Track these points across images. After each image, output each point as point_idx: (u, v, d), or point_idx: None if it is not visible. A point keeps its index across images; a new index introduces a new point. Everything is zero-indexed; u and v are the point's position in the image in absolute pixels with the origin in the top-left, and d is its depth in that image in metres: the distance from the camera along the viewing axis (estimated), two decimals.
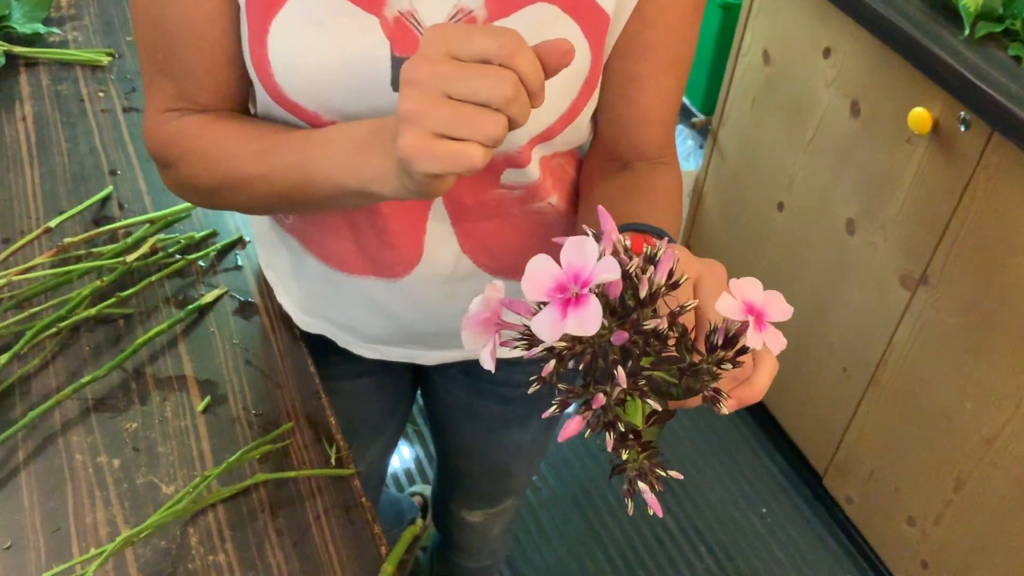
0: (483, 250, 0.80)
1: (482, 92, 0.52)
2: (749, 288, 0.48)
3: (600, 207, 0.51)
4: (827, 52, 1.55)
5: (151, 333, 0.87)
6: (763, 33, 1.68)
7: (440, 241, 0.77)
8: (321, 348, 0.91)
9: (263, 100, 0.71)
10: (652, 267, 0.48)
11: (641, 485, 0.48)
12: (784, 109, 1.68)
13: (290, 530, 0.75)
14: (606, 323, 0.46)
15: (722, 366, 0.48)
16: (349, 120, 0.66)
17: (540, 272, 0.45)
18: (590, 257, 0.44)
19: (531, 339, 0.47)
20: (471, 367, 0.97)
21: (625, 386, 0.46)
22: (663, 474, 0.48)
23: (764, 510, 1.90)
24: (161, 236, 0.95)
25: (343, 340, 0.89)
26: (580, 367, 0.47)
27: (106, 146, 1.07)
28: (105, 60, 1.18)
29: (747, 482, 1.94)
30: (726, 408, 0.51)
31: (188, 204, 0.99)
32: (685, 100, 1.96)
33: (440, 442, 1.11)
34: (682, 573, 1.79)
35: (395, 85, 0.67)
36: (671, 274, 0.48)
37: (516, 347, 0.48)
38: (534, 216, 0.80)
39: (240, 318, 0.91)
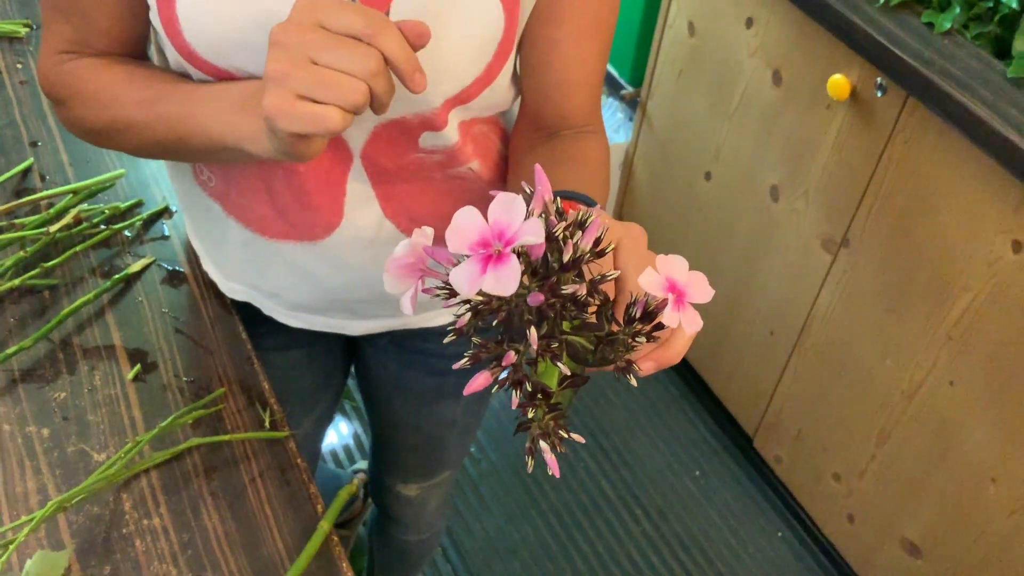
0: (405, 214, 0.80)
1: (346, 62, 0.55)
2: (674, 266, 0.49)
3: (537, 165, 0.52)
4: (749, 22, 1.58)
5: (77, 303, 0.86)
6: (688, 5, 1.71)
7: (361, 203, 0.78)
8: (249, 319, 0.90)
9: (174, 58, 0.71)
10: (580, 232, 0.49)
11: (543, 444, 0.49)
12: (709, 80, 1.71)
13: (225, 493, 0.75)
14: (525, 283, 0.47)
15: (637, 339, 0.50)
16: (255, 69, 0.67)
17: (466, 224, 0.46)
18: (517, 216, 0.45)
19: (451, 290, 0.48)
20: (402, 339, 0.98)
21: (536, 347, 0.47)
22: (565, 436, 0.49)
23: (697, 473, 1.94)
24: (85, 206, 0.94)
25: (268, 308, 0.89)
26: (496, 324, 0.48)
27: (26, 118, 1.05)
28: (23, 31, 1.15)
29: (680, 446, 1.98)
30: (644, 367, 0.53)
31: (113, 173, 0.97)
32: (614, 73, 1.98)
33: (374, 416, 1.12)
34: (619, 536, 1.83)
35: None
36: (597, 242, 0.49)
37: (436, 295, 0.49)
38: (456, 181, 0.81)
39: (168, 287, 0.90)
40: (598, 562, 1.79)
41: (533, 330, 0.46)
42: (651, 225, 1.99)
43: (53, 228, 0.89)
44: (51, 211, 0.92)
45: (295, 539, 0.73)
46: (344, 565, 0.72)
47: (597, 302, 0.49)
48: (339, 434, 1.92)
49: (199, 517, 0.74)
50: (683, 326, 0.48)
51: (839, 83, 1.43)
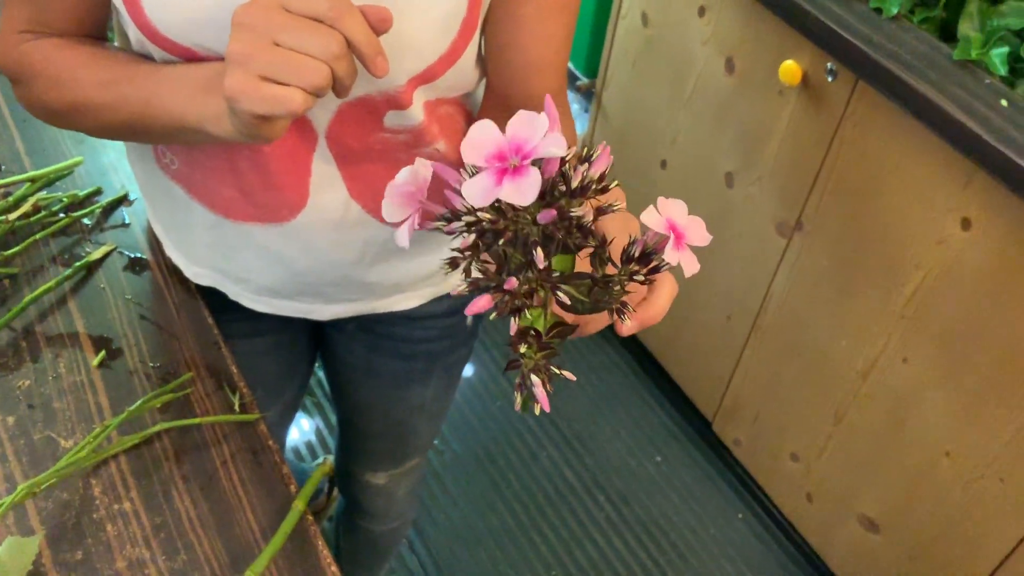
0: (372, 196, 0.80)
1: (308, 44, 0.56)
2: (675, 208, 0.50)
3: (547, 95, 0.53)
4: (702, 11, 1.61)
5: (38, 291, 0.84)
6: None
7: (327, 184, 0.78)
8: (215, 306, 0.90)
9: (136, 38, 0.70)
10: (587, 164, 0.50)
11: (534, 379, 0.49)
12: (664, 69, 1.73)
13: (197, 476, 0.75)
14: (534, 204, 0.47)
15: (634, 278, 0.51)
16: (221, 47, 0.67)
17: (482, 137, 0.46)
18: (538, 131, 0.46)
19: (451, 218, 0.48)
20: (370, 324, 0.97)
21: (542, 266, 0.47)
22: (557, 372, 0.50)
23: (659, 458, 1.97)
24: (43, 195, 0.93)
25: (234, 293, 0.88)
26: (499, 244, 0.48)
27: None
28: None
29: (641, 432, 2.00)
30: (629, 323, 0.54)
31: (71, 161, 0.96)
32: (569, 64, 2.00)
33: (341, 403, 1.12)
34: (583, 523, 1.84)
35: None
36: (603, 177, 0.50)
37: (435, 227, 0.49)
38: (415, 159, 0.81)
39: (131, 274, 0.89)
40: (563, 548, 1.80)
41: (540, 250, 0.47)
42: None
43: (12, 216, 0.88)
44: (9, 200, 0.91)
45: (269, 519, 0.73)
46: (320, 543, 0.72)
47: (595, 243, 0.50)
48: (301, 430, 1.91)
49: (171, 500, 0.73)
50: (682, 266, 0.49)
51: (790, 69, 1.46)
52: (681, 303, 1.83)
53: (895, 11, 1.36)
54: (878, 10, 1.38)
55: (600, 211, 0.50)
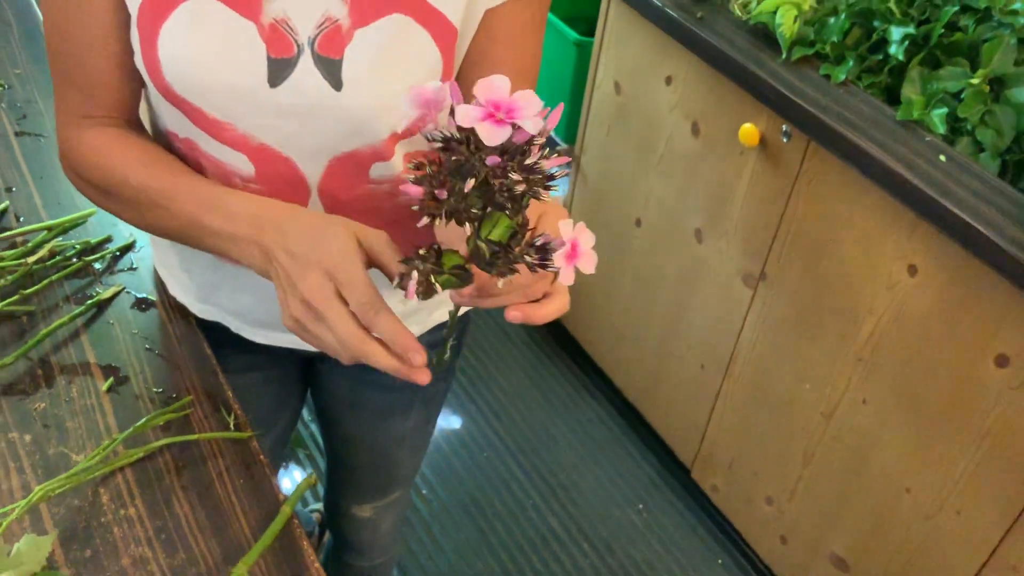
0: None
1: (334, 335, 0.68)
2: (584, 235, 0.61)
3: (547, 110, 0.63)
4: (669, 80, 1.73)
5: (53, 326, 0.94)
6: (613, 66, 1.86)
7: None
8: (213, 342, 0.99)
9: (155, 97, 0.81)
10: (548, 149, 0.60)
11: (414, 276, 0.61)
12: (636, 134, 1.85)
13: (195, 486, 0.83)
14: (491, 150, 0.57)
15: (526, 257, 0.60)
16: (226, 106, 0.77)
17: (496, 86, 0.57)
18: (531, 108, 0.57)
19: (441, 137, 0.59)
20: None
21: (466, 191, 0.57)
22: (433, 283, 0.61)
23: (641, 506, 2.03)
24: (59, 241, 1.02)
25: (235, 326, 0.98)
26: (451, 162, 0.58)
27: (1, 167, 1.13)
28: None
29: (624, 481, 2.07)
30: (515, 313, 0.64)
31: (84, 212, 1.06)
32: (551, 132, 2.12)
33: (329, 436, 1.20)
34: (568, 570, 1.90)
35: (271, 83, 0.77)
36: (552, 177, 0.60)
37: (430, 138, 0.59)
38: (402, 210, 0.91)
39: (137, 311, 0.99)
40: None
41: (471, 180, 0.56)
42: None
43: (30, 260, 0.98)
44: (27, 246, 1.00)
45: (260, 524, 0.81)
46: (305, 544, 0.80)
47: (518, 216, 0.60)
48: (293, 481, 1.98)
49: (171, 507, 0.81)
50: (563, 274, 0.59)
51: (749, 131, 1.57)
52: (658, 354, 1.93)
53: (843, 77, 1.49)
54: (827, 76, 1.50)
55: (533, 181, 0.59)
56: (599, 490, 2.05)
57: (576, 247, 0.59)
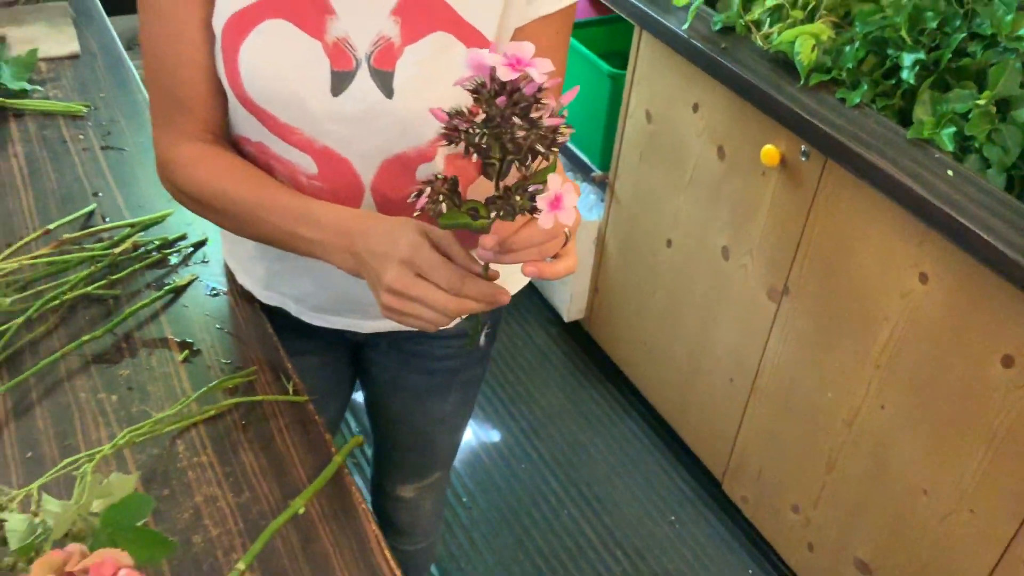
0: None
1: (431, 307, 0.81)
2: (569, 193, 0.72)
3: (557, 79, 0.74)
4: (695, 107, 1.85)
5: (136, 306, 1.07)
6: (644, 97, 1.98)
7: None
8: (274, 326, 1.11)
9: (233, 106, 0.94)
10: (551, 106, 0.71)
11: (426, 193, 0.73)
12: (665, 158, 1.96)
13: (258, 439, 0.95)
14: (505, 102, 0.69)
15: (518, 200, 0.71)
16: (295, 113, 0.89)
17: (523, 46, 0.69)
18: (542, 68, 0.68)
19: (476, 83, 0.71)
20: (399, 342, 1.18)
21: (480, 122, 0.69)
22: (441, 203, 0.73)
23: (673, 518, 2.10)
24: (140, 237, 1.16)
25: (295, 310, 1.10)
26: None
27: (88, 175, 1.28)
28: (83, 111, 1.40)
29: (656, 494, 2.15)
30: (530, 268, 0.75)
31: (162, 212, 1.20)
32: (584, 158, 2.24)
33: (376, 417, 1.31)
34: None
35: (334, 92, 0.90)
36: (556, 130, 0.71)
37: (467, 86, 0.71)
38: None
39: (209, 297, 1.11)
40: None
41: (482, 109, 0.68)
42: (623, 290, 2.22)
43: (116, 251, 1.11)
44: (114, 239, 1.14)
45: (314, 471, 0.92)
46: (353, 488, 0.91)
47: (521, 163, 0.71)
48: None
49: (238, 455, 0.93)
50: (542, 218, 0.70)
51: (770, 152, 1.68)
52: (688, 369, 2.02)
53: (857, 100, 1.59)
54: (843, 100, 1.60)
55: (539, 129, 0.70)
56: (632, 502, 2.13)
57: (560, 199, 0.70)
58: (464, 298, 0.79)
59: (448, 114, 0.72)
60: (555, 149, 0.71)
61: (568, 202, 0.70)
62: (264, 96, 0.90)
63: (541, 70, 0.68)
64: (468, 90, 0.72)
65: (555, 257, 0.78)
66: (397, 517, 1.41)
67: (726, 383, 1.96)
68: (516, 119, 0.69)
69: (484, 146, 0.70)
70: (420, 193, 0.74)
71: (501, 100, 0.69)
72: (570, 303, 2.38)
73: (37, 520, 0.77)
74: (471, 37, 0.91)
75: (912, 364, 1.54)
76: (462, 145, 0.72)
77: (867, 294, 1.58)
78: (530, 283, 2.52)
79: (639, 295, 2.16)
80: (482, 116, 0.70)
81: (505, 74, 0.67)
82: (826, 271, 1.65)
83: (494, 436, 2.25)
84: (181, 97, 0.92)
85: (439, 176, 0.74)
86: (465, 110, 0.72)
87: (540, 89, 0.70)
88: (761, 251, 1.78)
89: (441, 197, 0.73)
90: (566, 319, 2.44)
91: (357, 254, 0.84)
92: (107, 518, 0.77)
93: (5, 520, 0.76)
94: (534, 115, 0.70)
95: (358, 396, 2.18)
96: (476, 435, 2.25)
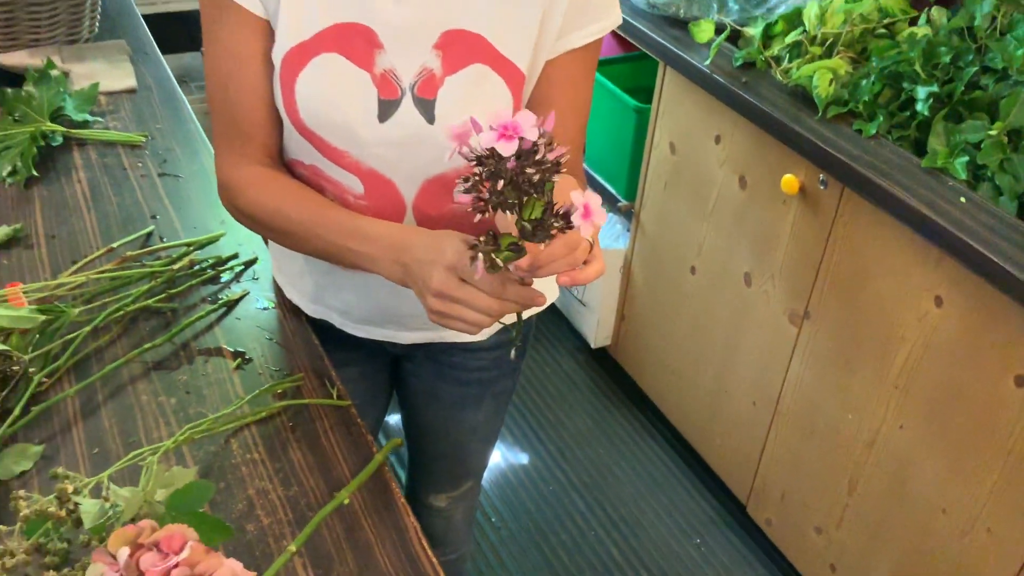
0: None
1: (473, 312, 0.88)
2: (592, 198, 0.79)
3: (551, 112, 0.82)
4: (718, 139, 1.92)
5: (192, 319, 1.15)
6: (668, 129, 2.06)
7: None
8: (319, 339, 1.18)
9: (288, 131, 1.02)
10: (550, 147, 0.79)
11: (480, 256, 0.80)
12: (689, 188, 2.04)
13: (306, 438, 1.02)
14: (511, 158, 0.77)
15: (555, 224, 0.79)
16: (345, 137, 0.97)
17: (502, 114, 0.77)
18: (527, 123, 0.76)
19: (476, 155, 0.78)
20: (435, 354, 1.25)
21: (500, 189, 0.77)
22: (495, 259, 0.80)
23: (698, 540, 2.14)
24: (196, 255, 1.24)
25: (339, 322, 1.18)
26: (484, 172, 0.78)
27: (146, 199, 1.37)
28: (141, 140, 1.49)
29: (681, 516, 2.19)
30: (564, 277, 0.82)
31: (216, 233, 1.29)
32: (611, 189, 2.32)
33: (410, 427, 1.38)
34: None
35: (380, 119, 0.98)
36: (559, 163, 0.79)
37: (465, 154, 0.78)
38: (478, 226, 1.10)
39: (259, 311, 1.19)
40: None
41: (501, 182, 0.76)
42: (648, 316, 2.28)
43: (175, 267, 1.20)
44: (172, 256, 1.23)
45: (357, 468, 0.99)
46: (393, 485, 0.98)
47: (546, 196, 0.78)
48: None
49: (287, 453, 1.00)
50: (583, 229, 0.78)
51: (790, 181, 1.74)
52: (712, 393, 2.08)
53: (873, 131, 1.65)
54: (859, 131, 1.67)
55: (546, 168, 0.78)
56: (658, 524, 2.17)
57: (588, 208, 0.78)
58: (505, 300, 0.86)
59: (468, 190, 0.79)
60: (563, 171, 0.79)
61: (595, 205, 0.78)
62: (317, 122, 0.98)
63: (528, 124, 0.76)
64: (469, 160, 0.79)
65: (584, 264, 0.85)
66: (430, 527, 1.47)
67: (749, 406, 2.01)
68: (528, 169, 0.77)
69: (511, 201, 0.78)
70: (472, 259, 0.82)
71: (512, 164, 0.77)
72: (597, 330, 2.45)
73: (107, 505, 0.85)
74: (506, 69, 0.99)
75: (929, 385, 1.58)
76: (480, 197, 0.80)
77: (885, 317, 1.63)
78: (558, 311, 2.60)
79: (664, 321, 2.22)
80: (499, 181, 0.78)
81: (505, 149, 0.75)
82: (845, 295, 1.71)
83: (523, 458, 2.31)
84: (242, 124, 1.01)
85: (480, 239, 0.82)
86: (479, 176, 0.79)
87: (534, 143, 0.78)
88: (782, 277, 1.84)
89: (494, 255, 0.81)
90: (593, 345, 2.50)
91: (405, 264, 0.92)
92: (172, 502, 0.85)
93: (80, 503, 0.84)
94: (538, 157, 0.78)
95: (390, 419, 2.25)
96: (505, 457, 2.31)
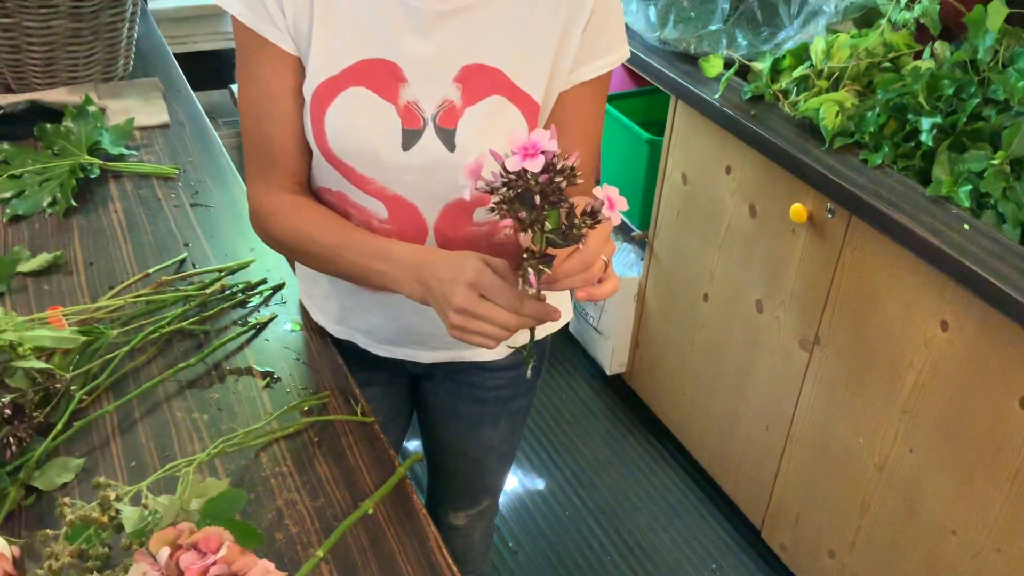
0: None
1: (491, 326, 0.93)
2: (612, 190, 0.85)
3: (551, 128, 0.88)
4: (728, 169, 1.98)
5: (224, 340, 1.21)
6: (680, 160, 2.12)
7: None
8: (343, 360, 1.24)
9: (317, 160, 1.09)
10: (568, 159, 0.85)
11: (529, 270, 0.86)
12: (701, 218, 2.09)
13: (331, 453, 1.07)
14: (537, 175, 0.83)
15: (586, 221, 0.84)
16: (371, 165, 1.03)
17: (520, 135, 0.83)
18: (545, 138, 0.82)
19: (500, 182, 0.84)
20: (454, 373, 1.31)
21: (535, 204, 0.83)
22: (542, 269, 0.86)
23: (714, 566, 2.17)
24: (227, 281, 1.31)
25: (363, 343, 1.23)
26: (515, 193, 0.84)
27: (180, 229, 1.44)
28: (174, 173, 1.57)
29: (697, 541, 2.22)
30: (581, 293, 0.89)
31: (245, 260, 1.35)
32: (625, 219, 2.37)
33: (429, 446, 1.43)
34: None
35: (404, 148, 1.04)
36: (574, 170, 0.85)
37: (488, 189, 0.84)
38: (495, 247, 1.16)
39: (287, 333, 1.25)
40: None
41: (538, 198, 0.81)
42: (662, 344, 2.32)
43: (207, 291, 1.26)
44: (204, 282, 1.29)
45: (380, 481, 1.04)
46: (414, 496, 1.02)
47: (567, 204, 0.84)
48: None
49: (313, 467, 1.05)
50: (614, 217, 0.84)
51: (799, 210, 1.79)
52: (726, 419, 2.12)
53: (879, 162, 1.70)
54: (865, 161, 1.72)
55: (566, 174, 0.84)
56: (674, 550, 2.20)
57: (611, 199, 0.84)
58: (522, 316, 0.91)
59: (507, 214, 0.85)
60: (580, 177, 0.85)
61: (613, 193, 0.84)
62: (345, 152, 1.04)
63: (546, 139, 0.82)
64: (488, 191, 0.85)
65: (599, 281, 0.91)
66: (449, 546, 1.50)
67: (762, 431, 2.04)
68: (556, 178, 0.83)
69: (547, 212, 0.84)
70: (523, 277, 0.88)
71: (544, 178, 0.82)
72: (612, 357, 2.49)
73: (146, 512, 0.90)
74: (522, 100, 1.05)
75: (937, 408, 1.62)
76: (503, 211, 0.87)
77: (893, 342, 1.67)
78: (574, 339, 2.64)
79: (678, 348, 2.26)
80: (536, 198, 0.83)
81: (535, 165, 0.81)
82: (854, 321, 1.75)
83: (539, 484, 2.34)
84: (274, 153, 1.07)
85: (524, 256, 0.87)
86: (510, 199, 0.85)
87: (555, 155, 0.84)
88: (793, 303, 1.88)
89: (540, 265, 0.87)
90: (608, 373, 2.54)
91: (426, 283, 0.97)
92: (206, 510, 0.90)
93: (120, 510, 0.89)
94: (559, 166, 0.84)
95: (408, 444, 2.30)
96: (522, 482, 2.34)
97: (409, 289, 1.00)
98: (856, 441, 1.80)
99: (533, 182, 0.83)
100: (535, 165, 0.82)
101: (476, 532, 1.50)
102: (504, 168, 0.84)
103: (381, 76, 1.01)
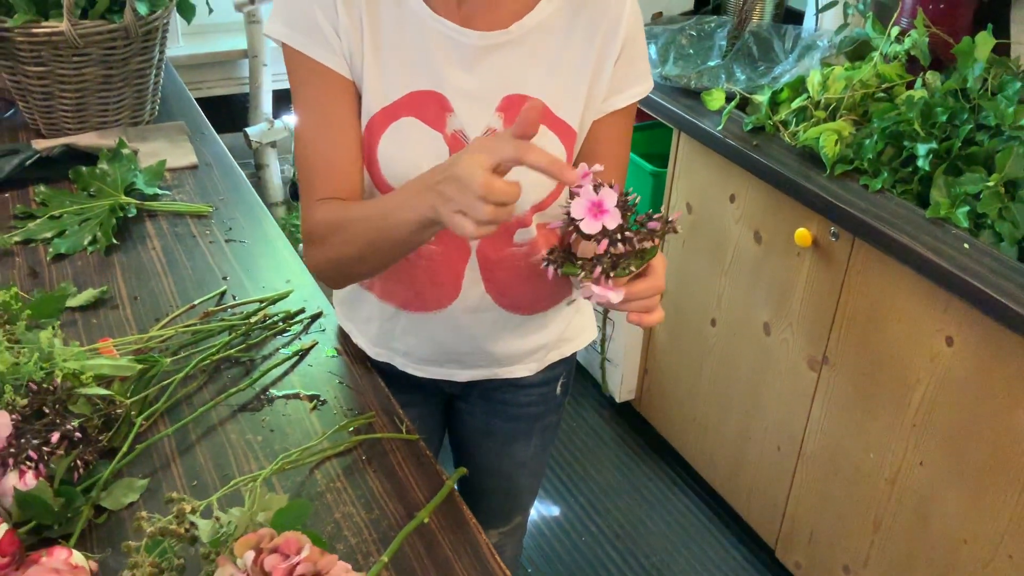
0: (499, 291, 1.21)
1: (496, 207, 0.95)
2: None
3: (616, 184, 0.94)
4: (732, 198, 2.05)
5: (270, 365, 1.26)
6: (685, 190, 2.19)
7: (472, 283, 1.19)
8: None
9: (368, 185, 1.15)
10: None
11: (598, 271, 0.93)
12: (707, 245, 2.16)
13: (382, 469, 1.12)
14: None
15: (642, 244, 0.92)
16: None
17: (589, 194, 0.90)
18: (611, 201, 0.89)
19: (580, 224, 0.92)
20: (488, 392, 1.36)
21: (605, 252, 0.91)
22: (610, 274, 0.93)
23: None
24: (269, 311, 1.36)
25: (401, 364, 1.29)
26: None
27: (217, 263, 1.50)
28: (208, 211, 1.63)
29: (712, 564, 2.26)
30: (632, 317, 0.96)
31: (284, 291, 1.41)
32: None
33: (463, 462, 1.48)
34: None
35: None
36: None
37: (575, 228, 0.91)
38: (533, 268, 1.22)
39: (328, 358, 1.31)
40: None
41: (618, 246, 0.90)
42: (672, 369, 2.38)
43: (251, 320, 1.31)
44: (246, 312, 1.34)
45: (430, 493, 1.09)
46: (464, 507, 1.07)
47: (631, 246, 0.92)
48: None
49: (366, 482, 1.10)
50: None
51: (803, 235, 1.87)
52: (737, 441, 2.17)
53: (879, 186, 1.78)
54: (865, 186, 1.80)
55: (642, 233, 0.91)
56: (690, 572, 2.24)
57: (651, 215, 0.92)
58: (534, 155, 0.88)
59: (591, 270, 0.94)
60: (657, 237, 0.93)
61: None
62: (396, 177, 1.11)
63: (612, 195, 0.90)
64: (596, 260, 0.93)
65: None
66: None
67: (774, 452, 2.10)
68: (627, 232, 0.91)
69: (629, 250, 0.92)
70: (591, 272, 0.94)
71: (618, 225, 0.91)
72: (621, 385, 2.55)
73: (219, 524, 0.94)
74: (559, 127, 1.12)
75: (944, 422, 1.68)
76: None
77: (899, 359, 1.74)
78: (583, 368, 2.70)
79: (687, 373, 2.32)
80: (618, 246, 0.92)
81: (615, 218, 0.89)
82: (861, 340, 1.82)
83: (555, 511, 2.39)
84: (328, 178, 1.13)
85: (597, 254, 0.94)
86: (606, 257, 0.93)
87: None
88: (800, 325, 1.95)
89: (559, 260, 0.95)
90: (618, 400, 2.60)
91: (433, 186, 0.93)
92: (276, 520, 0.95)
93: (196, 523, 0.94)
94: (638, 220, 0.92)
95: None
96: (538, 510, 2.38)
97: (420, 206, 0.95)
98: (867, 457, 1.86)
99: (620, 237, 0.90)
100: (612, 221, 0.88)
101: (507, 550, 1.54)
102: (581, 232, 0.91)
103: (429, 106, 1.08)
